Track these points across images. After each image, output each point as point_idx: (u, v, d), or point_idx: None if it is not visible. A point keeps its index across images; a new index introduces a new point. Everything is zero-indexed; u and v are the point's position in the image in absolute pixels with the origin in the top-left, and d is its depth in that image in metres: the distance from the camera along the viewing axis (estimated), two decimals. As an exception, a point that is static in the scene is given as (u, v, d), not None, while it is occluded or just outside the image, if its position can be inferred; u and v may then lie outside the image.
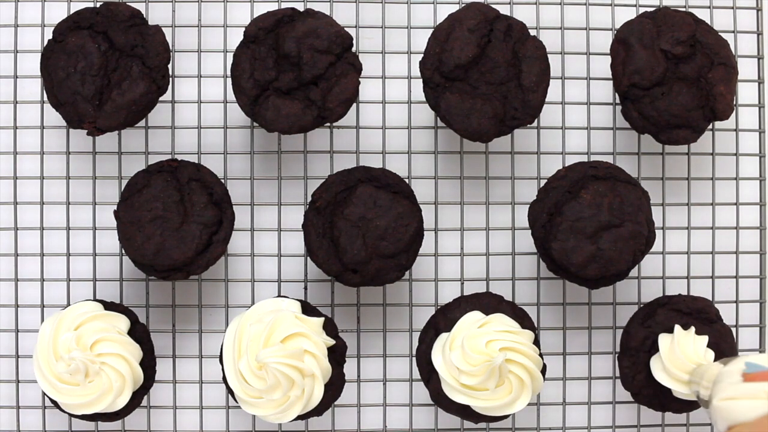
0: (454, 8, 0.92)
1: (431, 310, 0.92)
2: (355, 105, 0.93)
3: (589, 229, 0.85)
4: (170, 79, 0.89)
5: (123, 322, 0.86)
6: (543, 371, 0.86)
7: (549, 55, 0.88)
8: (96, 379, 0.82)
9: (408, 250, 0.86)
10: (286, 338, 0.82)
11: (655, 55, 0.87)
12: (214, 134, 0.95)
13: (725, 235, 0.97)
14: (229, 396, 0.87)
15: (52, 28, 0.87)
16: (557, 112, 0.96)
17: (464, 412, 0.86)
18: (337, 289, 0.94)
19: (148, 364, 0.87)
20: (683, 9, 0.95)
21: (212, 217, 0.86)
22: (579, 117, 0.96)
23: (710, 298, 0.93)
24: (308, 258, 0.92)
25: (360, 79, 0.87)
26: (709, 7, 0.96)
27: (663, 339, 0.85)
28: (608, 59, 0.90)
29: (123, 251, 0.91)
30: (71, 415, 0.85)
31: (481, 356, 0.82)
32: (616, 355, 0.91)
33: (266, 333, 0.81)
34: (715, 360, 0.83)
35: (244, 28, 0.87)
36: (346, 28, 0.87)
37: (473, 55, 0.86)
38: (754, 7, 0.98)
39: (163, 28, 0.87)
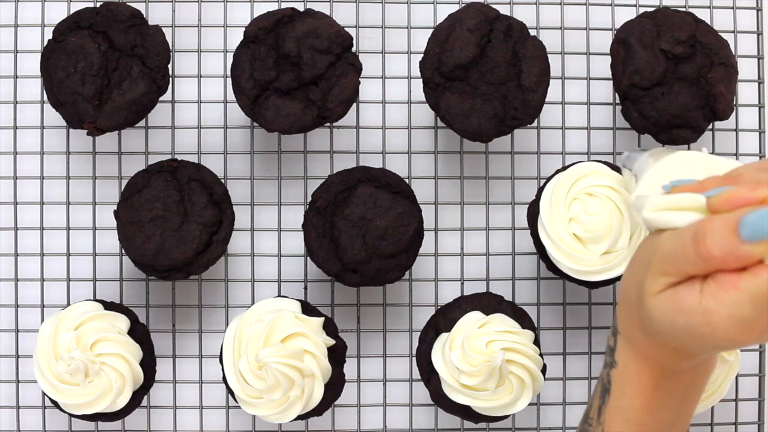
0: (454, 8, 0.92)
1: (431, 310, 0.92)
2: (355, 105, 0.93)
3: (589, 229, 0.85)
4: (170, 79, 0.89)
5: (123, 322, 0.86)
6: (543, 371, 0.86)
7: (549, 55, 0.88)
8: (96, 379, 0.82)
9: (408, 250, 0.86)
10: (286, 338, 0.82)
11: (655, 55, 0.87)
12: (214, 134, 0.95)
13: (725, 235, 0.96)
14: (229, 396, 0.87)
15: (52, 28, 0.87)
16: (557, 112, 0.95)
17: (464, 412, 0.86)
18: (337, 289, 0.94)
19: (148, 364, 0.87)
20: (683, 9, 0.95)
21: (212, 217, 0.86)
22: (579, 117, 0.96)
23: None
24: (308, 258, 0.92)
25: (360, 79, 0.87)
26: (709, 7, 0.96)
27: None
28: (608, 59, 0.90)
29: (123, 251, 0.91)
30: (71, 415, 0.85)
31: (481, 356, 0.82)
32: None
33: (266, 333, 0.81)
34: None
35: (244, 28, 0.87)
36: (346, 28, 0.87)
37: (473, 55, 0.86)
38: (754, 7, 0.98)
39: (163, 28, 0.87)
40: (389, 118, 0.95)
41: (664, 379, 0.61)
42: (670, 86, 0.87)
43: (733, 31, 0.96)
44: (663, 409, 0.62)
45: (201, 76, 0.94)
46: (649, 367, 0.61)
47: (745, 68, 0.96)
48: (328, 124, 0.93)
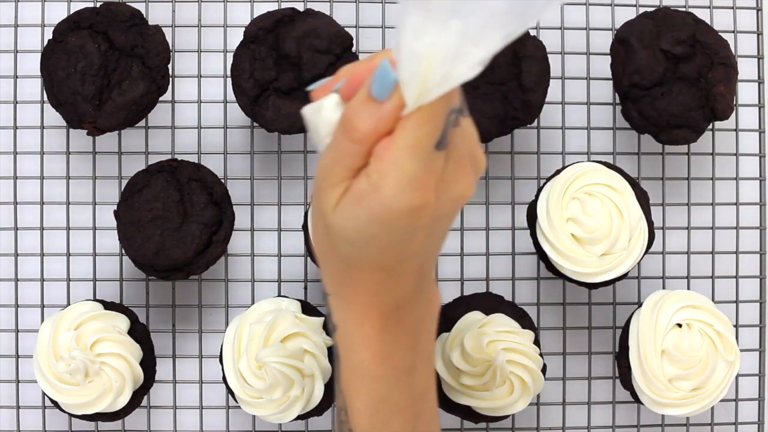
0: (454, 8, 0.91)
1: (431, 310, 0.92)
2: (355, 105, 0.93)
3: (589, 229, 0.85)
4: (170, 79, 0.89)
5: (123, 322, 0.86)
6: (543, 371, 0.86)
7: (549, 55, 0.88)
8: (96, 379, 0.82)
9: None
10: (286, 338, 0.82)
11: (655, 55, 0.87)
12: (214, 134, 0.95)
13: (725, 235, 0.97)
14: (229, 396, 0.87)
15: (52, 28, 0.87)
16: (557, 112, 0.95)
17: (464, 412, 0.86)
18: (337, 289, 0.94)
19: (148, 364, 0.87)
20: (683, 9, 0.95)
21: (212, 217, 0.86)
22: (579, 117, 0.96)
23: (710, 298, 0.93)
24: (308, 258, 0.92)
25: (360, 79, 0.87)
26: (709, 7, 0.96)
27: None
28: (608, 59, 0.90)
29: (123, 251, 0.91)
30: (71, 415, 0.85)
31: (481, 356, 0.82)
32: (616, 355, 0.91)
33: (266, 333, 0.81)
34: None
35: (244, 28, 0.87)
36: (346, 28, 0.87)
37: (473, 55, 0.86)
38: (754, 7, 0.98)
39: (163, 28, 0.87)
40: (389, 118, 0.95)
41: (386, 322, 0.59)
42: (670, 86, 0.87)
43: (733, 31, 0.96)
44: (395, 354, 0.60)
45: (201, 76, 0.94)
46: (367, 312, 0.58)
47: (745, 68, 0.96)
48: (328, 124, 0.93)
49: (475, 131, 0.59)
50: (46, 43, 0.88)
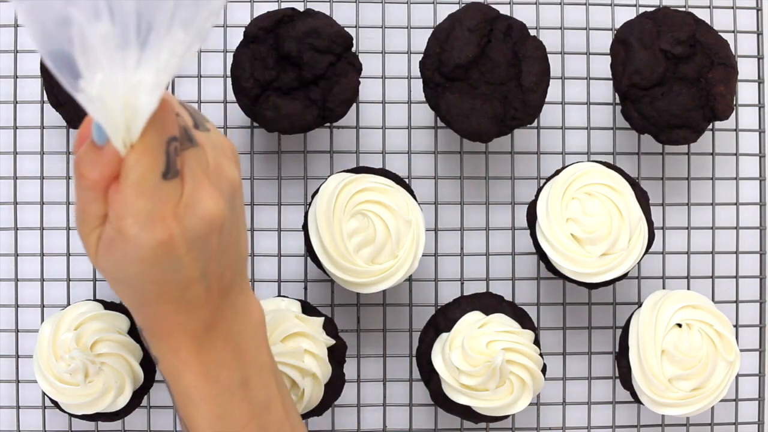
0: (454, 8, 0.92)
1: (431, 310, 0.92)
2: (355, 105, 0.93)
3: (589, 229, 0.85)
4: (170, 79, 0.89)
5: (123, 322, 0.86)
6: (543, 371, 0.86)
7: (549, 55, 0.88)
8: (96, 379, 0.82)
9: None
10: (286, 338, 0.82)
11: (655, 55, 0.87)
12: (214, 134, 0.94)
13: (725, 235, 0.97)
14: (229, 396, 0.87)
15: (52, 28, 0.87)
16: (557, 112, 0.95)
17: (464, 412, 0.86)
18: (337, 289, 0.94)
19: (148, 364, 0.87)
20: (683, 9, 0.95)
21: (212, 217, 0.86)
22: (579, 117, 0.96)
23: (710, 298, 0.93)
24: (308, 258, 0.92)
25: (360, 79, 0.87)
26: (709, 7, 0.96)
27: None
28: (608, 59, 0.90)
29: (123, 251, 0.91)
30: (71, 415, 0.85)
31: (481, 356, 0.82)
32: (616, 355, 0.91)
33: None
34: None
35: (244, 28, 0.87)
36: (346, 28, 0.87)
37: (473, 55, 0.86)
38: (754, 7, 0.98)
39: (163, 28, 0.87)
40: (389, 118, 0.95)
41: (201, 344, 0.59)
42: (670, 86, 0.87)
43: (733, 31, 0.96)
44: (220, 371, 0.60)
45: (201, 76, 0.94)
46: (178, 340, 0.59)
47: (745, 68, 0.96)
48: (328, 124, 0.93)
49: (226, 142, 0.59)
50: (46, 43, 0.88)
